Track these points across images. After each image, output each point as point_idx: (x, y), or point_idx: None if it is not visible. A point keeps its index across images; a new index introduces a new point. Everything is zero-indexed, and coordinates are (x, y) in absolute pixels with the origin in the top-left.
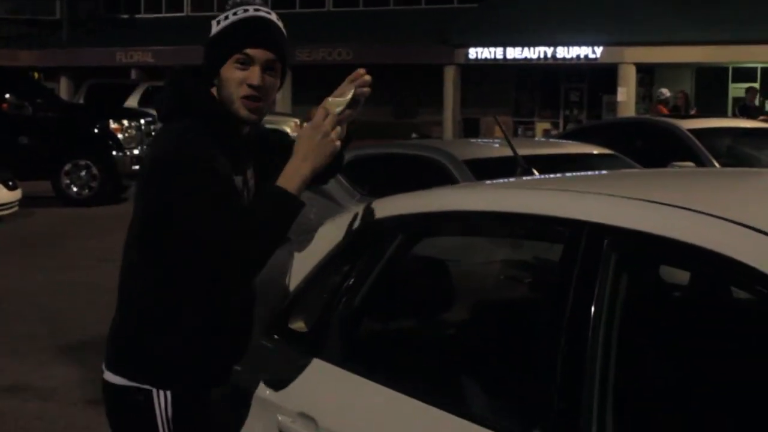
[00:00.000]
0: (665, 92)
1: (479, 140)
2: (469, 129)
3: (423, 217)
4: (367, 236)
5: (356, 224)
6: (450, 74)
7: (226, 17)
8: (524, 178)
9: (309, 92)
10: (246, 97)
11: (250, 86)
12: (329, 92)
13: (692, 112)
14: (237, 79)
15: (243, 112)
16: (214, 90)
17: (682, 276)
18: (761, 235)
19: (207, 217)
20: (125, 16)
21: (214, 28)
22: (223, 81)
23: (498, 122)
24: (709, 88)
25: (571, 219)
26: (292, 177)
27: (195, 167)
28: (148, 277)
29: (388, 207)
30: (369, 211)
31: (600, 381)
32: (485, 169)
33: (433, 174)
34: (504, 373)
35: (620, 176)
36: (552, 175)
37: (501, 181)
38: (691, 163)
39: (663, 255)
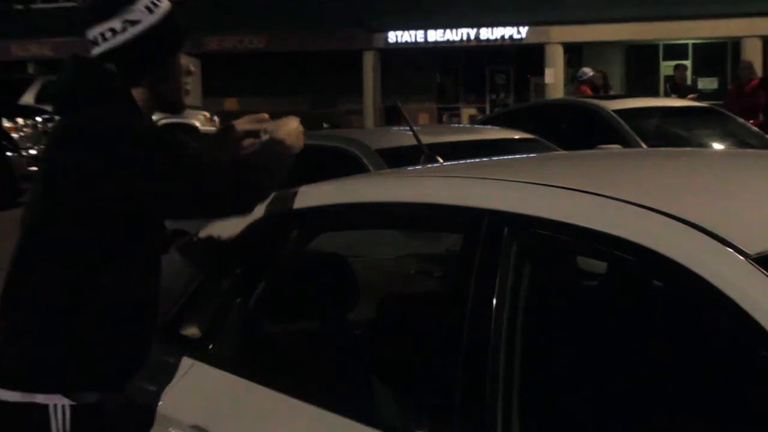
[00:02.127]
0: (587, 71)
1: (397, 128)
2: (392, 117)
3: (318, 211)
4: (260, 234)
5: (249, 221)
6: (369, 60)
7: (155, 3)
8: (428, 165)
9: (219, 83)
10: (186, 86)
11: (188, 74)
12: (241, 83)
13: (611, 92)
14: (184, 67)
15: (186, 101)
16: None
17: (601, 265)
18: (671, 221)
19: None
20: (20, 7)
21: (153, 15)
22: (175, 69)
23: (400, 109)
24: (640, 66)
25: (469, 207)
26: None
27: (151, 132)
28: (45, 279)
29: (282, 202)
30: (263, 207)
31: (504, 380)
32: (400, 159)
33: (345, 165)
34: (409, 374)
35: (529, 161)
36: (456, 162)
37: (400, 170)
38: (617, 146)
39: (568, 243)
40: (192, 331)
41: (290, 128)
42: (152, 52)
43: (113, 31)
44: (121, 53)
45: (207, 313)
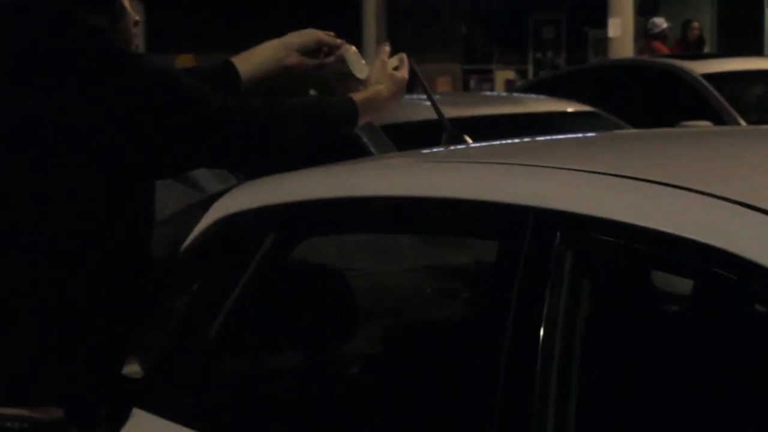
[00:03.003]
0: (660, 23)
1: (409, 97)
2: None
3: (303, 207)
4: (223, 238)
5: (208, 221)
6: (370, 5)
7: None
8: (451, 147)
9: (169, 35)
10: (134, 38)
11: (135, 24)
12: (198, 35)
13: (706, 50)
14: (132, 14)
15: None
16: None
17: (683, 284)
18: None
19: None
20: None
21: None
22: (123, 14)
23: (414, 70)
24: (738, 13)
25: (509, 204)
26: (365, 93)
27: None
28: (42, 282)
29: (253, 194)
30: (227, 202)
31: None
32: (413, 137)
33: (338, 146)
34: (425, 428)
35: (588, 142)
36: (489, 143)
37: (414, 152)
38: (706, 122)
39: (643, 254)
40: (132, 368)
41: (401, 80)
42: None
43: None
44: None
45: (155, 343)
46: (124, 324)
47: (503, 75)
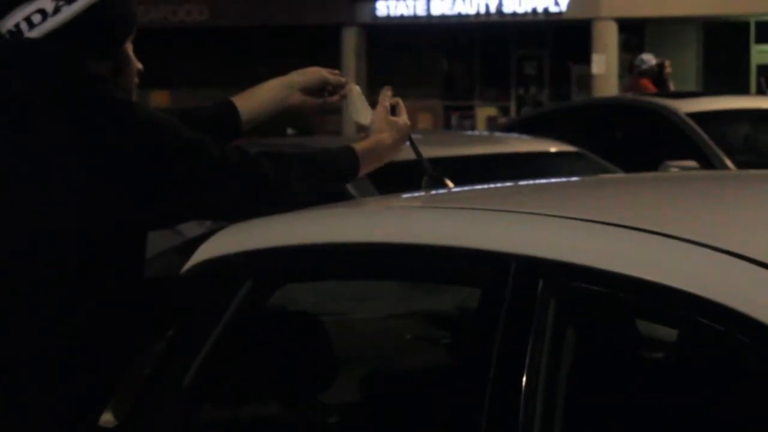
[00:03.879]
0: (649, 59)
1: None
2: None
3: (282, 252)
4: (200, 283)
5: (188, 266)
6: (350, 39)
7: None
8: (432, 191)
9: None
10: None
11: (138, 74)
12: (174, 70)
13: (670, 86)
14: (135, 62)
15: None
16: None
17: (667, 332)
18: None
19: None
20: None
21: None
22: (126, 63)
23: (352, 88)
24: (724, 52)
25: (491, 251)
26: (367, 141)
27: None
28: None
29: (230, 239)
30: (204, 247)
31: None
32: (393, 180)
33: None
34: None
35: (573, 186)
36: (474, 187)
37: (393, 197)
38: (692, 163)
39: (627, 302)
40: (105, 417)
41: (404, 127)
42: (97, 37)
43: (42, 12)
44: (57, 41)
45: (128, 392)
46: (106, 374)
47: (485, 111)
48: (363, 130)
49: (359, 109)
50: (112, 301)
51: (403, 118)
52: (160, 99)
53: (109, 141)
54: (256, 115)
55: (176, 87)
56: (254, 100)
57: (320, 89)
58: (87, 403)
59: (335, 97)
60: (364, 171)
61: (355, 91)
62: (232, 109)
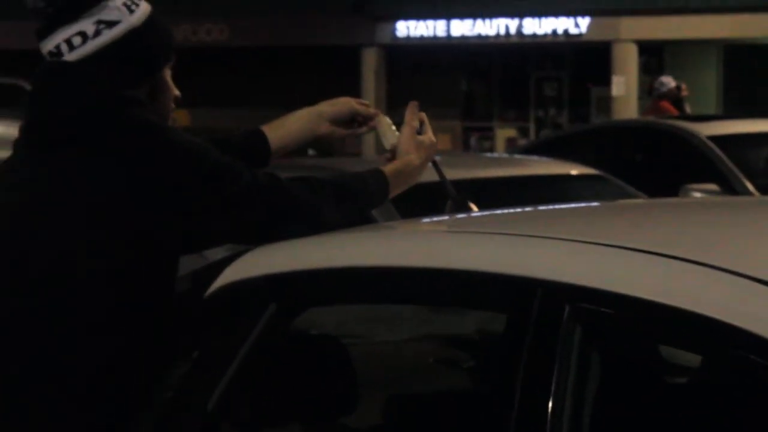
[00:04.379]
0: (669, 81)
1: None
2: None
3: (305, 276)
4: (223, 307)
5: (212, 289)
6: (370, 59)
7: (134, 2)
8: (456, 215)
9: None
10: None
11: (175, 100)
12: (194, 89)
13: (687, 109)
14: (173, 89)
15: None
16: None
17: (692, 358)
18: None
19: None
20: None
21: (134, 14)
22: (163, 89)
23: (381, 119)
24: (744, 74)
25: (516, 276)
26: (396, 164)
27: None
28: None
29: (254, 263)
30: (229, 271)
31: None
32: (417, 202)
33: None
34: None
35: (599, 212)
36: (497, 211)
37: (417, 220)
38: (713, 186)
39: (654, 329)
40: None
41: (431, 148)
42: (136, 62)
43: (83, 35)
44: (96, 64)
45: (149, 415)
46: (134, 397)
47: (504, 133)
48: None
49: (388, 138)
50: (142, 325)
51: (428, 136)
52: (180, 119)
53: (140, 165)
54: (285, 144)
55: (196, 106)
56: (283, 130)
57: (349, 119)
58: (113, 426)
59: (363, 129)
60: (393, 193)
61: (385, 123)
62: (262, 138)
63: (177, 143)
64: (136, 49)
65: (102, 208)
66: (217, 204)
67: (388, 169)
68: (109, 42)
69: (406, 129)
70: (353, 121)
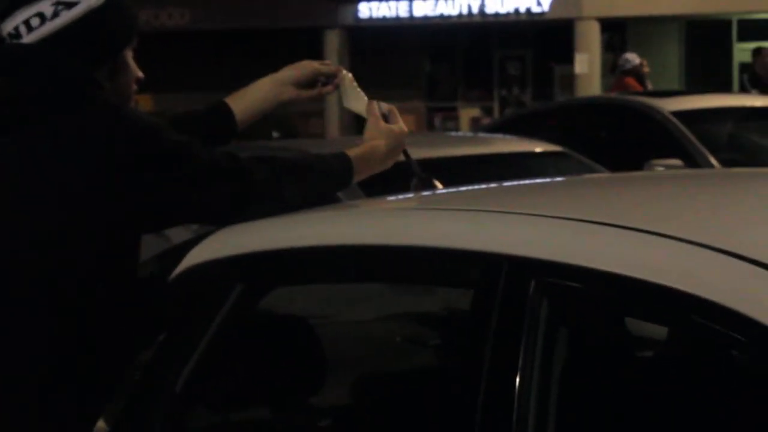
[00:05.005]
0: (633, 58)
1: None
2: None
3: (271, 256)
4: (189, 288)
5: (178, 271)
6: (333, 41)
7: None
8: (421, 193)
9: None
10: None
11: (137, 81)
12: (156, 74)
13: (648, 86)
14: (134, 70)
15: None
16: None
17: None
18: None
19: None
20: None
21: None
22: (124, 70)
23: (344, 76)
24: (707, 50)
25: (481, 252)
26: (361, 148)
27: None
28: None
29: (220, 244)
30: (194, 252)
31: None
32: (382, 180)
33: None
34: None
35: (561, 186)
36: (462, 188)
37: (382, 199)
38: (677, 161)
39: (620, 302)
40: (98, 424)
41: (400, 133)
42: (95, 43)
43: (41, 16)
44: (55, 45)
45: (119, 397)
46: (101, 380)
47: (468, 112)
48: (358, 120)
49: (351, 97)
50: (104, 307)
51: (399, 126)
52: (143, 103)
53: (96, 145)
54: (250, 114)
55: (159, 91)
56: (247, 99)
57: (313, 82)
58: (82, 410)
59: (329, 87)
60: (358, 178)
61: (348, 79)
62: (226, 110)
63: (134, 123)
64: (95, 31)
65: (57, 188)
66: (174, 183)
67: (353, 152)
68: (68, 23)
69: (371, 119)
70: (316, 82)
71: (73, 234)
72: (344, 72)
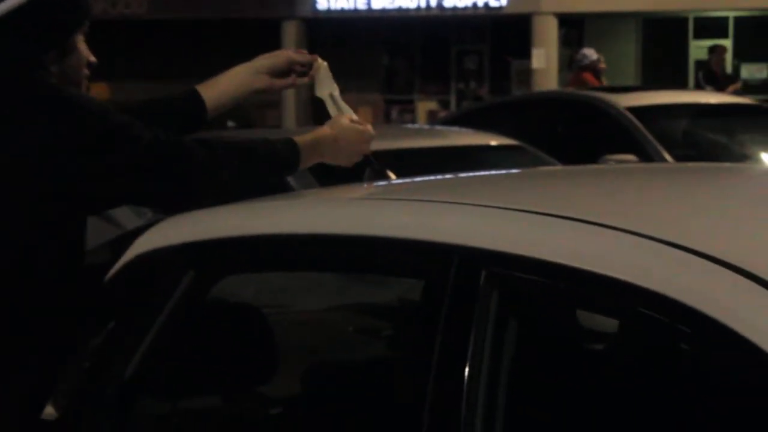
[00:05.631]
0: (590, 54)
1: None
2: (321, 112)
3: (222, 244)
4: (139, 275)
5: (127, 258)
6: (290, 33)
7: None
8: (374, 183)
9: None
10: (85, 79)
11: (89, 65)
12: (113, 63)
13: (603, 81)
14: (85, 55)
15: None
16: None
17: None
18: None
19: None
20: None
21: None
22: (74, 54)
23: (331, 99)
24: (663, 47)
25: (433, 242)
26: (309, 134)
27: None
28: None
29: (171, 231)
30: (148, 238)
31: None
32: (335, 173)
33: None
34: None
35: (514, 178)
36: (415, 179)
37: (335, 188)
38: (631, 156)
39: (568, 293)
40: (47, 410)
41: (362, 133)
42: (43, 27)
43: None
44: (1, 27)
45: (69, 384)
46: (50, 364)
47: (425, 106)
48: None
49: (324, 85)
50: (47, 292)
51: (365, 126)
52: (99, 91)
53: (32, 126)
54: (222, 103)
55: (115, 80)
56: (219, 88)
57: (287, 71)
58: (29, 396)
59: (304, 79)
60: (307, 163)
61: (322, 68)
62: (197, 98)
63: (74, 105)
64: (43, 14)
65: (4, 170)
66: (114, 164)
67: (302, 139)
68: (15, 5)
69: (332, 110)
70: (291, 72)
71: (13, 217)
72: (320, 61)
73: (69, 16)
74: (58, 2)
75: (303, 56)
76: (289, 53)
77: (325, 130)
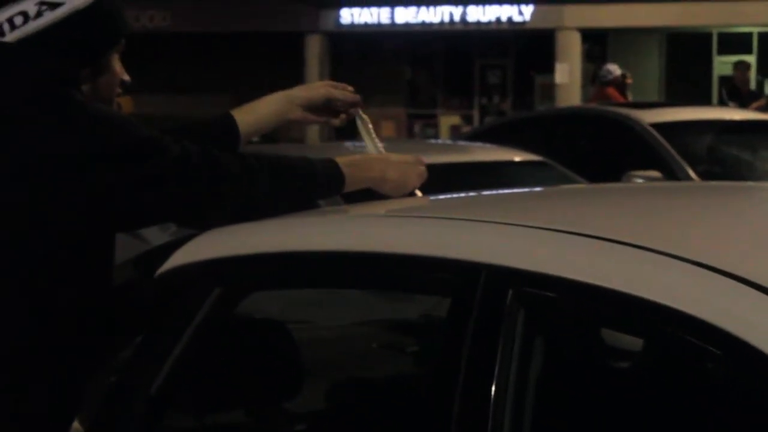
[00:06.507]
0: (614, 69)
1: (353, 144)
2: (347, 127)
3: (249, 261)
4: (167, 291)
5: (157, 273)
6: (314, 47)
7: None
8: (400, 200)
9: None
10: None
11: (122, 84)
12: (137, 76)
13: (629, 97)
14: (119, 73)
15: None
16: None
17: (634, 341)
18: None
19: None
20: None
21: None
22: (107, 72)
23: (360, 117)
24: (686, 63)
25: (460, 260)
26: (353, 156)
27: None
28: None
29: (199, 247)
30: (177, 255)
31: None
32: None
33: None
34: None
35: (540, 196)
36: (442, 196)
37: (361, 205)
38: (656, 173)
39: (596, 312)
40: (74, 425)
41: (408, 164)
42: (79, 45)
43: (25, 15)
44: (35, 45)
45: (94, 399)
46: (77, 379)
47: (448, 120)
48: None
49: (367, 141)
50: (75, 307)
51: (418, 168)
52: (124, 105)
53: (59, 143)
54: (256, 129)
55: (139, 93)
56: (254, 114)
57: (325, 105)
58: (55, 411)
59: (336, 121)
60: (350, 188)
61: (364, 121)
62: (232, 124)
63: (98, 119)
64: (77, 33)
65: (23, 188)
66: (143, 179)
67: (343, 160)
68: (50, 23)
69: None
70: (329, 107)
71: (34, 233)
72: (361, 113)
73: (104, 35)
74: (94, 20)
75: (343, 93)
76: (328, 88)
77: (369, 155)
